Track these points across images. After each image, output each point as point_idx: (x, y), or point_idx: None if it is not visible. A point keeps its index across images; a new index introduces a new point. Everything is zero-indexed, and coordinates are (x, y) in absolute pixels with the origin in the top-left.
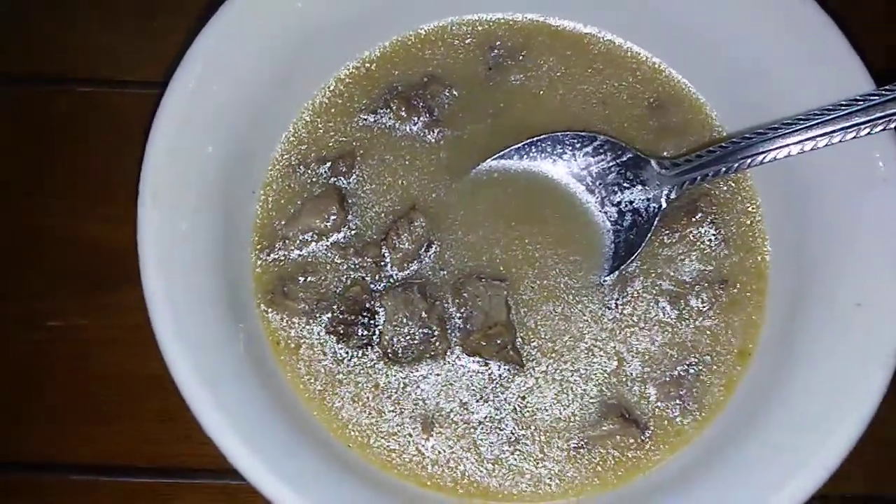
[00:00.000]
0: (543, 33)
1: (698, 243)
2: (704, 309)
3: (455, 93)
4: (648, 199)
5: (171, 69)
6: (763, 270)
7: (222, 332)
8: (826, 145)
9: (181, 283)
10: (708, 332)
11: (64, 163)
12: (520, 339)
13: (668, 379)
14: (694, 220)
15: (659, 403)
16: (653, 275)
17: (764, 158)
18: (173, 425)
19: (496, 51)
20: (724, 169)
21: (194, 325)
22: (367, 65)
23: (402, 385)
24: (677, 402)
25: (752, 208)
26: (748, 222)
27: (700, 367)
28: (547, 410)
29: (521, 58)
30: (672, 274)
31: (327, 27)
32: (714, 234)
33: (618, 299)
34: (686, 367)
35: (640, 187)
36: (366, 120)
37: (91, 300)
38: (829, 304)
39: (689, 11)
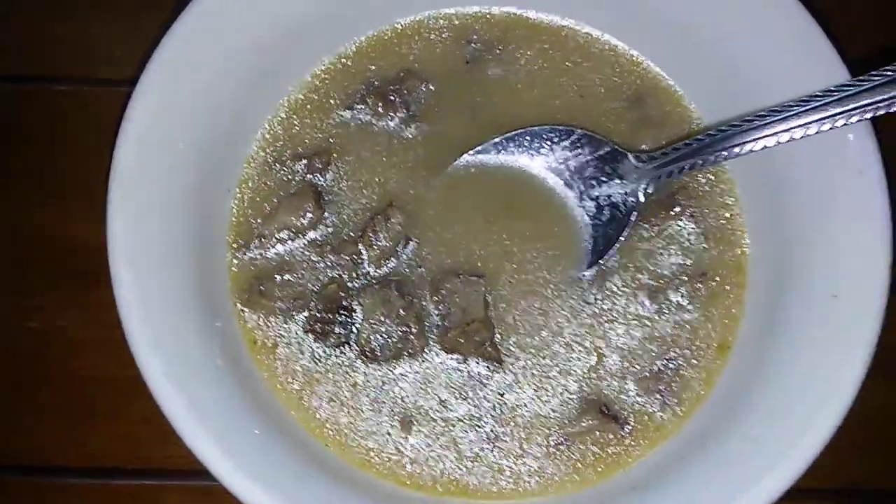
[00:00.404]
0: (521, 26)
1: (677, 237)
2: (684, 303)
3: (432, 87)
4: (626, 193)
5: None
6: (742, 264)
7: (197, 332)
8: (802, 136)
9: (153, 282)
10: (687, 326)
11: (45, 162)
12: (498, 336)
13: (647, 374)
14: (672, 213)
15: (639, 398)
16: (632, 269)
17: (741, 150)
18: (157, 426)
19: (473, 45)
20: (700, 162)
21: (167, 325)
22: (343, 60)
23: (380, 383)
24: (657, 396)
25: (731, 201)
26: (727, 215)
27: (680, 362)
28: (526, 407)
29: (498, 51)
30: (651, 268)
31: (302, 22)
32: (693, 228)
33: (597, 294)
34: (666, 361)
35: (618, 181)
36: (342, 116)
37: (73, 300)
38: (806, 297)
39: (666, 4)
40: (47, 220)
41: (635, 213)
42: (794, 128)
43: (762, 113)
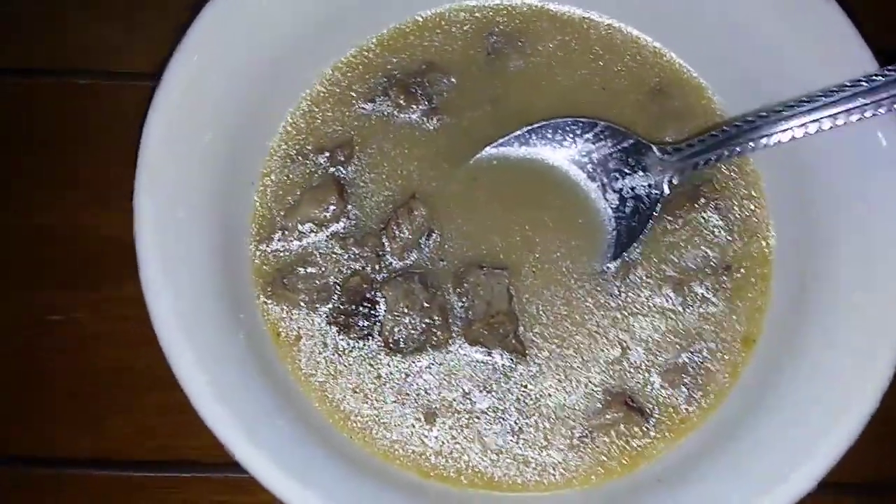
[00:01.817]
0: (543, 18)
1: (701, 229)
2: (709, 295)
3: (454, 80)
4: (650, 186)
5: (165, 59)
6: (767, 255)
7: (222, 324)
8: (830, 127)
9: (179, 272)
10: (712, 319)
11: (61, 156)
12: (522, 328)
13: (672, 366)
14: (697, 205)
15: (663, 391)
16: (656, 261)
17: (768, 141)
18: (174, 418)
19: (495, 37)
20: (726, 153)
21: (193, 316)
22: (365, 53)
23: (403, 375)
24: (682, 389)
25: (756, 193)
26: (752, 207)
27: (705, 354)
28: (550, 399)
29: (520, 44)
30: (675, 260)
31: (325, 15)
32: (717, 220)
33: (620, 286)
34: (690, 354)
35: (641, 173)
36: (364, 108)
37: (91, 294)
38: (834, 288)
39: None
40: (66, 214)
41: (659, 205)
42: (823, 118)
43: (790, 103)
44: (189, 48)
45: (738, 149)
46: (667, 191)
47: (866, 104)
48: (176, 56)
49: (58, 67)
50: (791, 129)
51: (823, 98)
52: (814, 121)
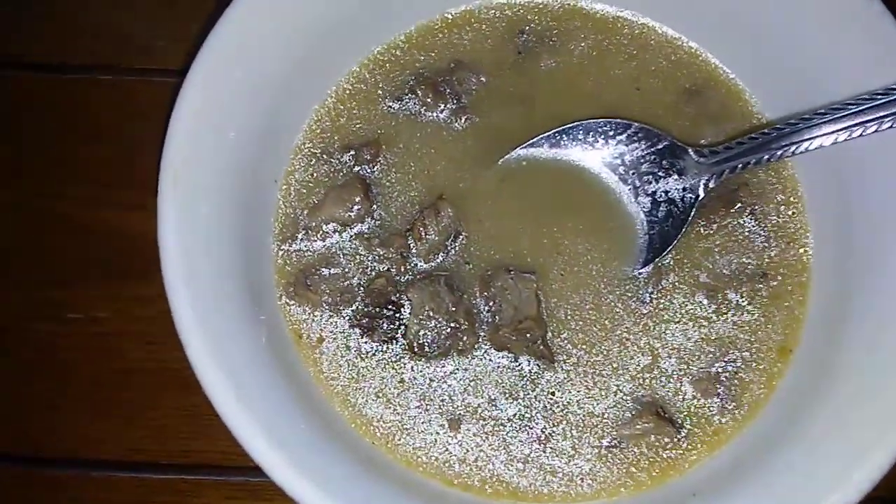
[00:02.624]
0: (575, 17)
1: (737, 235)
2: (743, 303)
3: (483, 79)
4: (685, 189)
5: (192, 56)
6: (805, 263)
7: (243, 324)
8: (875, 131)
9: (201, 269)
10: (747, 328)
11: (84, 151)
12: (550, 333)
13: (705, 376)
14: (732, 210)
15: (695, 401)
16: (689, 267)
17: (809, 146)
18: (195, 421)
19: (525, 35)
20: (766, 157)
21: (215, 315)
22: (393, 50)
23: (428, 380)
24: (715, 399)
25: (794, 198)
26: (790, 213)
27: (739, 364)
28: (578, 407)
29: (551, 42)
30: (709, 266)
31: (352, 12)
32: (753, 226)
33: (652, 292)
34: (724, 363)
35: (676, 177)
36: (391, 107)
37: (112, 291)
38: (875, 298)
39: None
40: (85, 211)
41: (694, 210)
42: (867, 122)
43: (833, 107)
44: (214, 46)
45: (777, 153)
46: (702, 194)
47: None
48: (201, 53)
49: (88, 63)
50: (834, 132)
51: (868, 102)
52: (858, 124)
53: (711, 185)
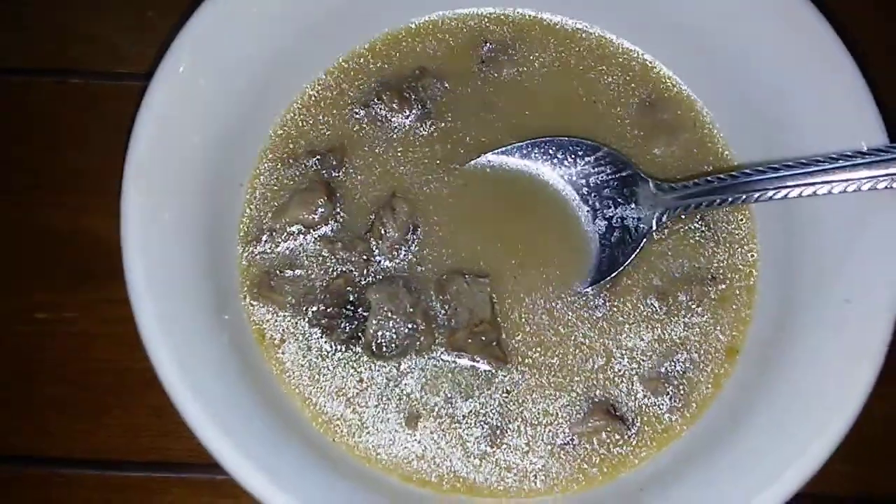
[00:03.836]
0: (536, 28)
1: (688, 239)
2: (693, 306)
3: (447, 85)
4: (639, 220)
5: (158, 60)
6: (752, 267)
7: (206, 325)
8: (826, 193)
9: (164, 272)
10: (696, 329)
11: (57, 155)
12: (504, 335)
13: (655, 375)
14: (683, 216)
15: (646, 400)
16: (642, 270)
17: (761, 196)
18: (165, 420)
19: (488, 45)
20: (718, 201)
21: (177, 316)
22: (358, 58)
23: (386, 380)
24: (664, 398)
25: (742, 205)
26: (739, 218)
27: (688, 364)
28: (532, 406)
29: (513, 52)
30: (661, 270)
31: (317, 19)
32: (704, 231)
33: (607, 295)
34: (674, 363)
35: (633, 206)
36: (357, 113)
37: (82, 293)
38: (818, 301)
39: (682, 9)
40: (57, 214)
41: (645, 241)
42: (818, 183)
43: (788, 163)
44: (180, 48)
45: (731, 198)
46: (654, 227)
47: (864, 178)
48: (167, 56)
49: (57, 67)
50: (787, 188)
51: (824, 164)
52: (810, 184)
53: (664, 219)
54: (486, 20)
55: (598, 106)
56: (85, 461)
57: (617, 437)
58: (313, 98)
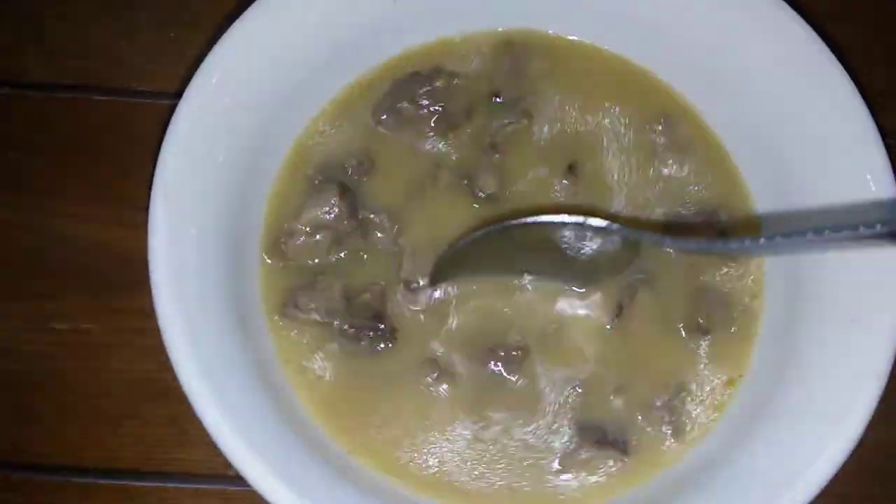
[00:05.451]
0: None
1: (692, 260)
2: (696, 326)
3: (466, 108)
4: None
5: (187, 80)
6: (758, 285)
7: (230, 337)
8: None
9: (191, 287)
10: (698, 352)
11: (78, 168)
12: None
13: (651, 402)
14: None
15: (641, 426)
16: (641, 291)
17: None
18: (178, 431)
19: (507, 68)
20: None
21: (203, 328)
22: (378, 77)
23: (406, 395)
24: (660, 425)
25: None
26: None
27: (687, 390)
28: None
29: (529, 77)
30: (663, 291)
31: (341, 38)
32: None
33: (615, 321)
34: (673, 388)
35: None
36: (375, 132)
37: (99, 304)
38: (822, 320)
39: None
40: (74, 225)
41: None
42: (826, 244)
43: (788, 231)
44: (209, 70)
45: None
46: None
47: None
48: (197, 76)
49: (84, 84)
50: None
51: (830, 231)
52: (813, 243)
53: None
54: (514, 35)
55: (611, 128)
56: (99, 470)
57: (610, 463)
58: (334, 115)
